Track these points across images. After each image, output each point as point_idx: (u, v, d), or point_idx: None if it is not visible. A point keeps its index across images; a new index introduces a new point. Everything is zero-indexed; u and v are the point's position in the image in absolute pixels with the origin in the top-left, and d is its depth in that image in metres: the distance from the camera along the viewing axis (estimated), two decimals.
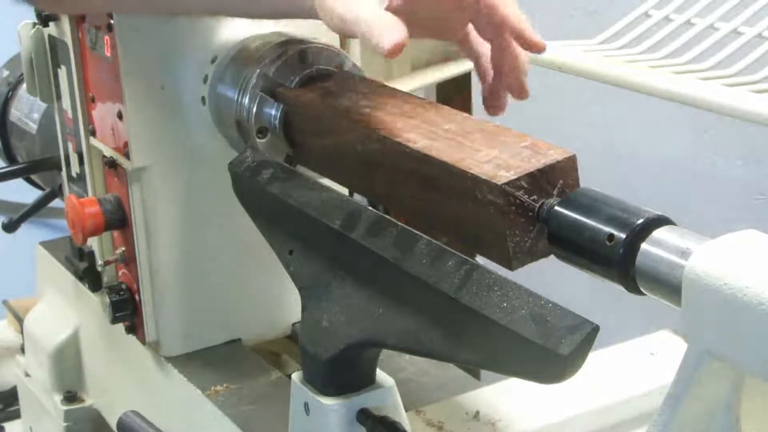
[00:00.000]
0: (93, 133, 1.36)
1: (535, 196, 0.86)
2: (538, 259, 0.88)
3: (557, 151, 0.89)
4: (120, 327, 1.37)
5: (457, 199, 0.91)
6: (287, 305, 1.37)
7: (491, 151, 0.91)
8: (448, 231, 0.94)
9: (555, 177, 0.87)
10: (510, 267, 0.87)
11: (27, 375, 1.72)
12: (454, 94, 2.03)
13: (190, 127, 1.27)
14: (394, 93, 1.09)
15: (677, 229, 0.79)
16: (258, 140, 1.16)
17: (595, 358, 0.80)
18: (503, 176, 0.86)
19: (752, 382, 0.76)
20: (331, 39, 1.22)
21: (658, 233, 0.79)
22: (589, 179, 0.89)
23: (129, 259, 1.33)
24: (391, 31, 0.92)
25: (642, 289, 0.80)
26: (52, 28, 1.42)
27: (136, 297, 1.34)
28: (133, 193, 1.28)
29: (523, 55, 1.04)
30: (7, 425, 1.95)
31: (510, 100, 1.09)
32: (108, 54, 1.27)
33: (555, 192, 0.87)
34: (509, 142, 0.92)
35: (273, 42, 1.20)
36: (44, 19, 1.42)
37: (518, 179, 0.86)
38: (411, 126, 1.00)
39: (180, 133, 1.27)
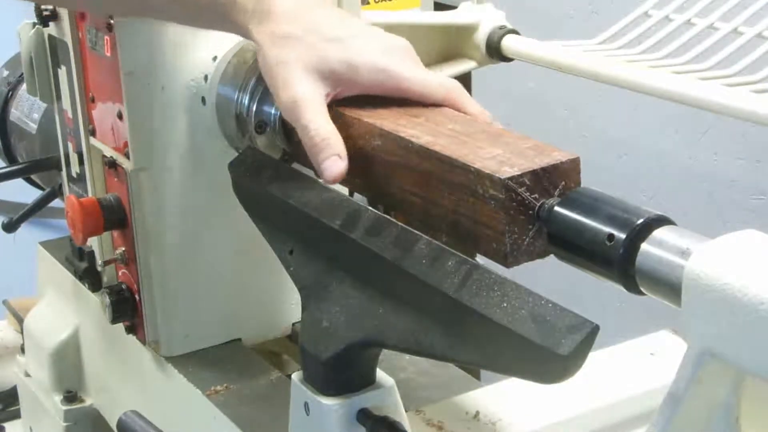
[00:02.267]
0: (93, 133, 1.36)
1: (536, 195, 0.87)
2: (535, 259, 0.88)
3: (561, 153, 0.89)
4: (120, 327, 1.37)
5: (457, 194, 0.91)
6: (287, 305, 1.37)
7: (495, 149, 0.92)
8: (446, 227, 0.94)
9: (557, 177, 0.87)
10: (506, 264, 0.87)
11: (27, 375, 1.72)
12: None
13: (190, 127, 1.27)
14: None
15: (677, 229, 0.79)
16: (256, 135, 1.16)
17: (595, 358, 0.80)
18: (506, 171, 0.87)
19: (752, 382, 0.76)
20: None
21: (658, 233, 0.79)
22: (588, 179, 0.89)
23: (129, 259, 1.33)
24: (333, 164, 1.01)
25: (642, 289, 0.80)
26: (52, 28, 1.42)
27: (136, 297, 1.34)
28: (133, 193, 1.28)
29: None
30: (7, 425, 1.95)
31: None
32: (108, 54, 1.27)
33: (556, 193, 0.87)
34: (513, 142, 0.93)
35: None
36: (44, 19, 1.42)
37: (521, 175, 0.86)
38: (414, 123, 1.00)
39: (180, 133, 1.27)
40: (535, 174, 0.87)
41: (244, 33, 1.07)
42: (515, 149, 0.91)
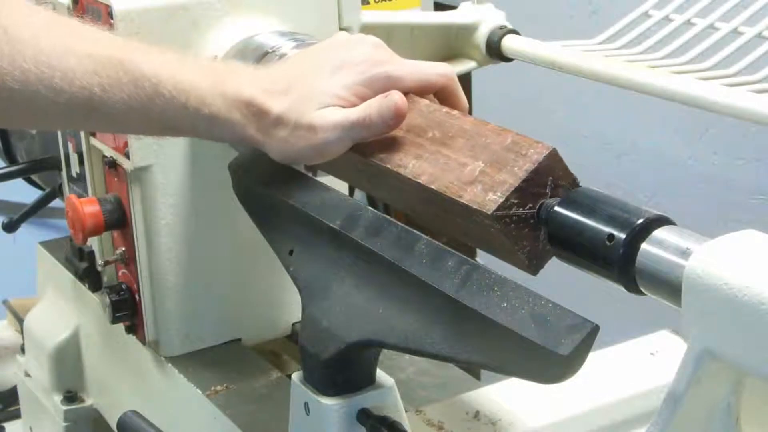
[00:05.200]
0: (93, 133, 1.36)
1: (530, 204, 0.86)
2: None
3: (537, 148, 0.88)
4: (120, 327, 1.37)
5: (460, 219, 0.91)
6: (287, 305, 1.37)
7: (476, 163, 0.91)
8: (465, 238, 0.94)
9: (543, 177, 0.87)
10: (531, 272, 0.87)
11: (27, 375, 1.72)
12: None
13: None
14: None
15: (677, 229, 0.79)
16: None
17: (595, 358, 0.80)
18: (491, 201, 0.86)
19: (752, 382, 0.76)
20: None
21: (658, 233, 0.79)
22: (589, 179, 0.89)
23: (129, 259, 1.33)
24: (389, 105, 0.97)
25: (642, 289, 0.80)
26: None
27: (136, 297, 1.34)
28: (133, 193, 1.28)
29: None
30: (7, 425, 1.95)
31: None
32: None
33: (548, 190, 0.87)
34: (491, 143, 0.92)
35: (274, 45, 1.20)
36: None
37: (506, 200, 0.86)
38: (396, 141, 0.99)
39: None
40: (519, 189, 0.86)
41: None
42: (495, 155, 0.90)
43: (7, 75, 0.95)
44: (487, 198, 0.87)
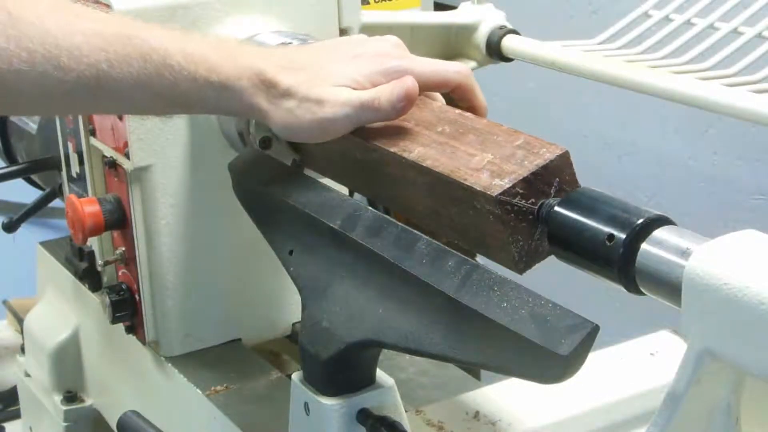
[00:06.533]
0: (93, 133, 1.36)
1: (533, 199, 0.86)
2: (546, 258, 0.88)
3: (550, 148, 0.88)
4: (120, 327, 1.37)
5: (458, 207, 0.91)
6: (287, 305, 1.37)
7: (485, 155, 0.90)
8: (456, 236, 0.94)
9: (550, 176, 0.87)
10: (518, 270, 0.87)
11: (27, 375, 1.72)
12: None
13: (190, 127, 1.27)
14: None
15: (677, 229, 0.79)
16: (262, 150, 1.15)
17: (595, 358, 0.81)
18: (497, 185, 0.86)
19: (752, 382, 0.76)
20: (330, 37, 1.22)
21: (658, 233, 0.79)
22: (589, 179, 0.89)
23: (129, 259, 1.33)
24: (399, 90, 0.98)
25: (642, 289, 0.80)
26: None
27: (136, 297, 1.34)
28: (133, 193, 1.28)
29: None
30: (7, 425, 1.95)
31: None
32: None
33: (552, 191, 0.87)
34: (502, 141, 0.92)
35: (275, 44, 1.20)
36: None
37: (513, 187, 0.85)
38: (405, 131, 0.99)
39: (180, 133, 1.27)
40: (526, 180, 0.86)
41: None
42: (505, 151, 0.90)
43: (14, 57, 0.95)
44: (493, 183, 0.87)
